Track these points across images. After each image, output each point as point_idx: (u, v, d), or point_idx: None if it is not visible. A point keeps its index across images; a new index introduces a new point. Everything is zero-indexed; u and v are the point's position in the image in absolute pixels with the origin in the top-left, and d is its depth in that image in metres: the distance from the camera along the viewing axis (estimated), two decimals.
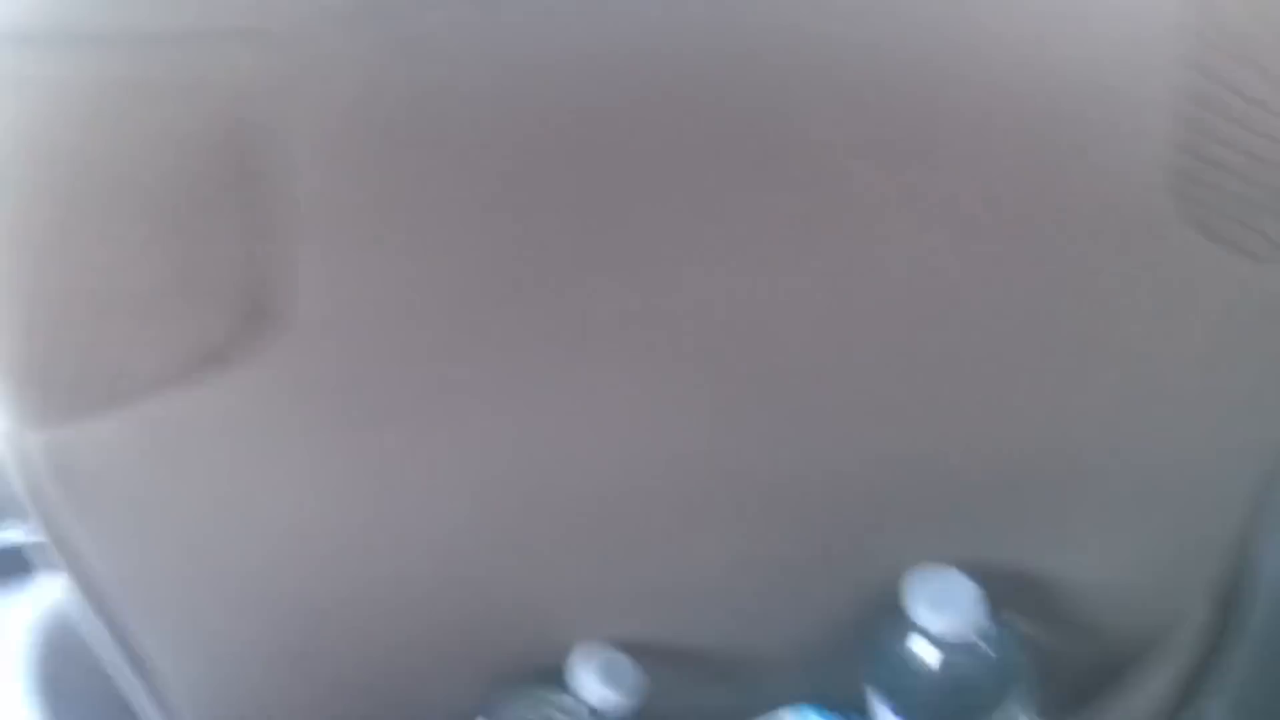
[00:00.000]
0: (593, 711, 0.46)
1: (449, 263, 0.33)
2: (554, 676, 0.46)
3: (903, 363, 0.36)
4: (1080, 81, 0.32)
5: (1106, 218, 0.34)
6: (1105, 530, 0.44)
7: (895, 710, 0.46)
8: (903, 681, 0.46)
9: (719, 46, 0.31)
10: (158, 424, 0.36)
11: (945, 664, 0.44)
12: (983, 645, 0.44)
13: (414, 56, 0.30)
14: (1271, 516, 0.49)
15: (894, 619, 0.45)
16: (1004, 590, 0.44)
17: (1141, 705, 0.52)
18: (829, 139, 0.32)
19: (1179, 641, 0.52)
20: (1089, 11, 0.32)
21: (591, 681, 0.46)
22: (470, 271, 0.33)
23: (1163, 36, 0.32)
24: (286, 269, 0.32)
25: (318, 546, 0.40)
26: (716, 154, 0.32)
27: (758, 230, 0.33)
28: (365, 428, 0.36)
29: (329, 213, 0.32)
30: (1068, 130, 0.33)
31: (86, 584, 0.42)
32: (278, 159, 0.31)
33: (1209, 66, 0.32)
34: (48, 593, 0.56)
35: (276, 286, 0.33)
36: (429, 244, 0.33)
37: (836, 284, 0.34)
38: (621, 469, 0.39)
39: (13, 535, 1.02)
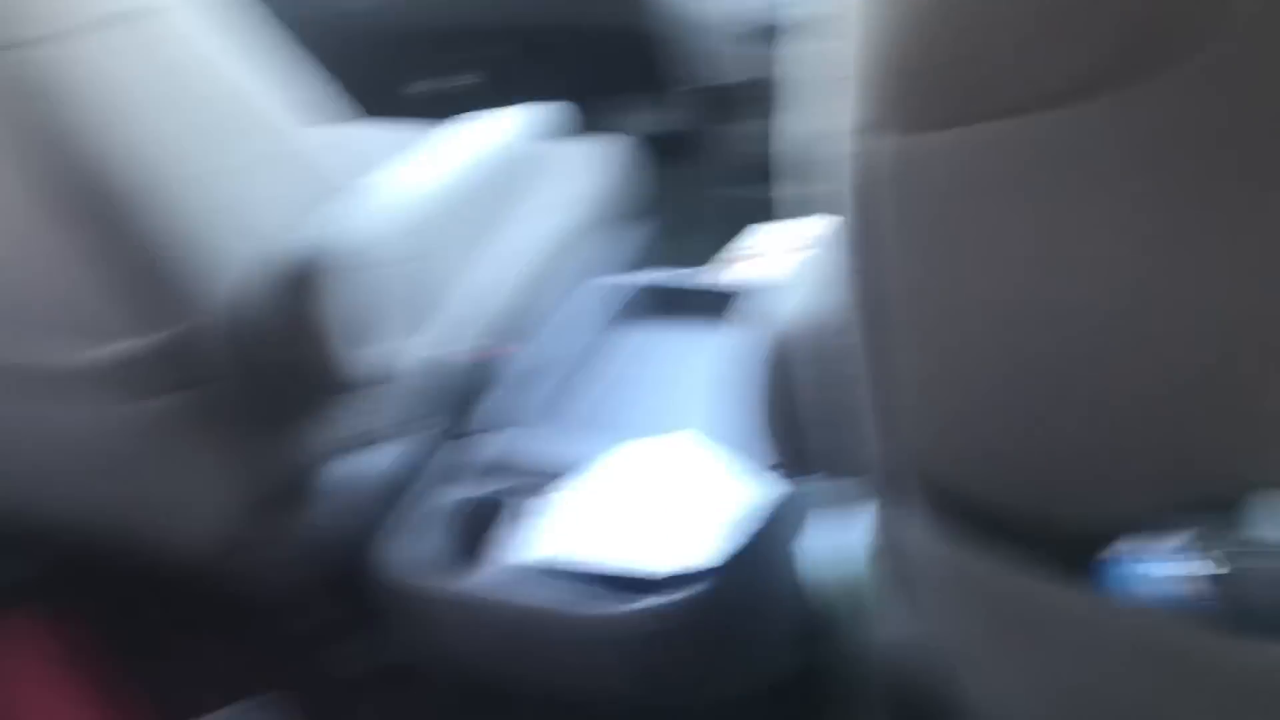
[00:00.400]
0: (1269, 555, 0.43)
1: None
2: (1231, 511, 0.45)
3: None
4: None
5: None
6: None
7: None
8: None
9: None
10: (1006, 142, 0.36)
11: None
12: None
13: None
14: None
15: None
16: None
17: None
18: None
19: None
20: None
21: (1273, 524, 0.43)
22: None
23: None
24: None
25: (1099, 299, 0.39)
26: None
27: None
28: (1206, 190, 0.34)
29: None
30: None
31: (876, 285, 0.45)
32: None
33: None
34: (781, 316, 0.63)
35: (1186, 18, 0.31)
36: None
37: None
38: None
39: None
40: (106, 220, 0.74)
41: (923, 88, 0.37)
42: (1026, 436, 0.47)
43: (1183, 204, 0.36)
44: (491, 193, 1.12)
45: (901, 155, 0.39)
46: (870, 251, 0.44)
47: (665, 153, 1.83)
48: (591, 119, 1.70)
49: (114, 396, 0.86)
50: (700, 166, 1.78)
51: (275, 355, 0.86)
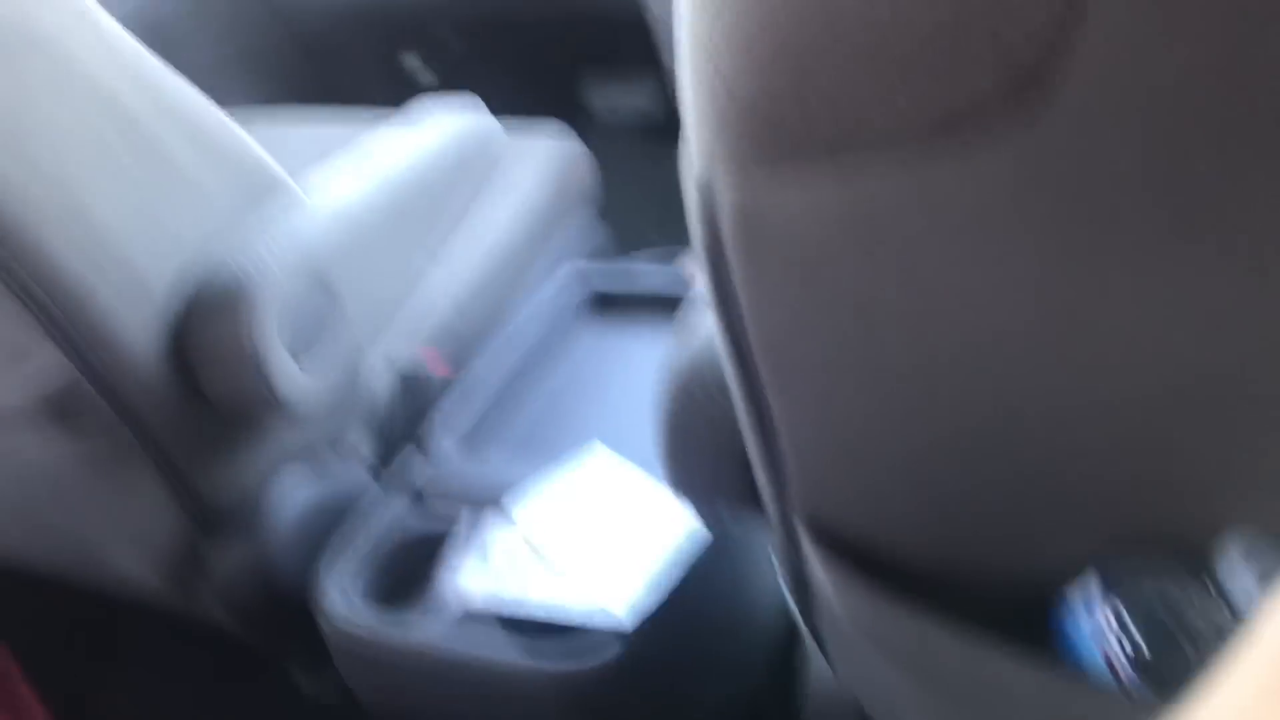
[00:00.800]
0: (1230, 604, 0.39)
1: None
2: (1191, 555, 0.41)
3: None
4: None
5: None
6: None
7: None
8: None
9: None
10: (853, 186, 0.33)
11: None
12: None
13: None
14: None
15: None
16: None
17: None
18: None
19: None
20: None
21: (1235, 570, 0.38)
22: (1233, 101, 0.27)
23: None
24: (1070, 30, 0.27)
25: (976, 353, 0.36)
26: None
27: None
28: (1086, 238, 0.31)
29: None
30: None
31: (734, 334, 0.42)
32: None
33: None
34: (691, 338, 0.58)
35: (1054, 51, 0.27)
36: (1209, 49, 0.26)
37: None
38: None
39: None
40: (10, 253, 0.70)
41: (768, 127, 0.33)
42: (900, 486, 0.44)
43: (1051, 251, 0.32)
44: (440, 190, 1.07)
45: (738, 200, 0.36)
46: (723, 297, 0.41)
47: (643, 136, 1.78)
48: (558, 102, 1.65)
49: (44, 431, 0.83)
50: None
51: (207, 379, 0.82)
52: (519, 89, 1.71)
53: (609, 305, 1.14)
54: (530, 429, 1.00)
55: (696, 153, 0.37)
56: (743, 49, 0.32)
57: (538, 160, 1.29)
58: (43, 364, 0.77)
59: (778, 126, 0.33)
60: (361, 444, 1.01)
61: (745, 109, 0.33)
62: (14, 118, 0.67)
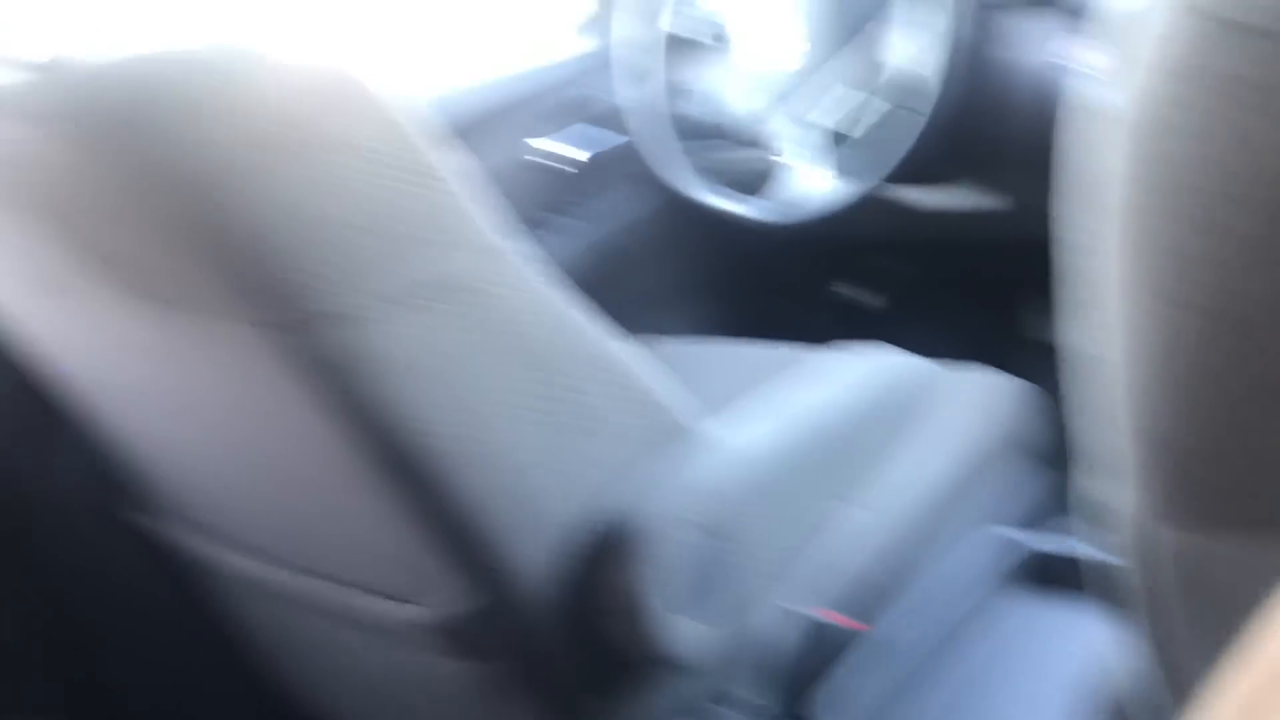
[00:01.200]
0: None
1: None
2: None
3: None
4: None
5: None
6: None
7: None
8: None
9: None
10: None
11: None
12: None
13: None
14: None
15: None
16: None
17: None
18: None
19: None
20: None
21: None
22: None
23: None
24: None
25: None
26: None
27: None
28: None
29: None
30: None
31: (1175, 683, 0.38)
32: None
33: None
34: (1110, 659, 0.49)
35: None
36: None
37: None
38: None
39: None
40: (427, 486, 0.74)
41: (1207, 491, 0.31)
42: None
43: None
44: (856, 436, 1.01)
45: (1182, 551, 0.33)
46: (1163, 640, 0.37)
47: None
48: (1004, 332, 1.55)
49: (436, 653, 0.86)
50: None
51: (593, 624, 0.80)
52: (960, 318, 1.63)
53: (1045, 576, 1.00)
54: (936, 711, 0.88)
55: (1137, 494, 0.33)
56: (1179, 407, 0.30)
57: (970, 403, 1.19)
58: (447, 589, 0.79)
59: (1221, 492, 0.30)
60: (753, 698, 0.95)
61: (1183, 464, 0.31)
62: (435, 358, 0.71)
